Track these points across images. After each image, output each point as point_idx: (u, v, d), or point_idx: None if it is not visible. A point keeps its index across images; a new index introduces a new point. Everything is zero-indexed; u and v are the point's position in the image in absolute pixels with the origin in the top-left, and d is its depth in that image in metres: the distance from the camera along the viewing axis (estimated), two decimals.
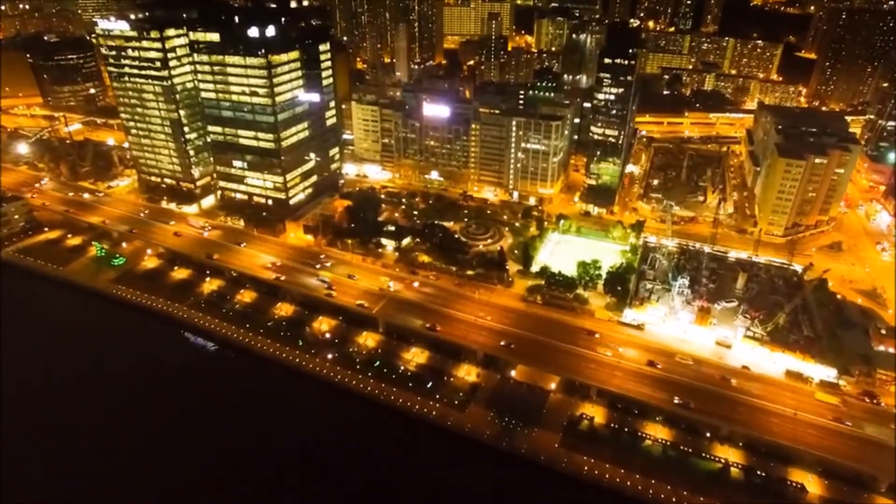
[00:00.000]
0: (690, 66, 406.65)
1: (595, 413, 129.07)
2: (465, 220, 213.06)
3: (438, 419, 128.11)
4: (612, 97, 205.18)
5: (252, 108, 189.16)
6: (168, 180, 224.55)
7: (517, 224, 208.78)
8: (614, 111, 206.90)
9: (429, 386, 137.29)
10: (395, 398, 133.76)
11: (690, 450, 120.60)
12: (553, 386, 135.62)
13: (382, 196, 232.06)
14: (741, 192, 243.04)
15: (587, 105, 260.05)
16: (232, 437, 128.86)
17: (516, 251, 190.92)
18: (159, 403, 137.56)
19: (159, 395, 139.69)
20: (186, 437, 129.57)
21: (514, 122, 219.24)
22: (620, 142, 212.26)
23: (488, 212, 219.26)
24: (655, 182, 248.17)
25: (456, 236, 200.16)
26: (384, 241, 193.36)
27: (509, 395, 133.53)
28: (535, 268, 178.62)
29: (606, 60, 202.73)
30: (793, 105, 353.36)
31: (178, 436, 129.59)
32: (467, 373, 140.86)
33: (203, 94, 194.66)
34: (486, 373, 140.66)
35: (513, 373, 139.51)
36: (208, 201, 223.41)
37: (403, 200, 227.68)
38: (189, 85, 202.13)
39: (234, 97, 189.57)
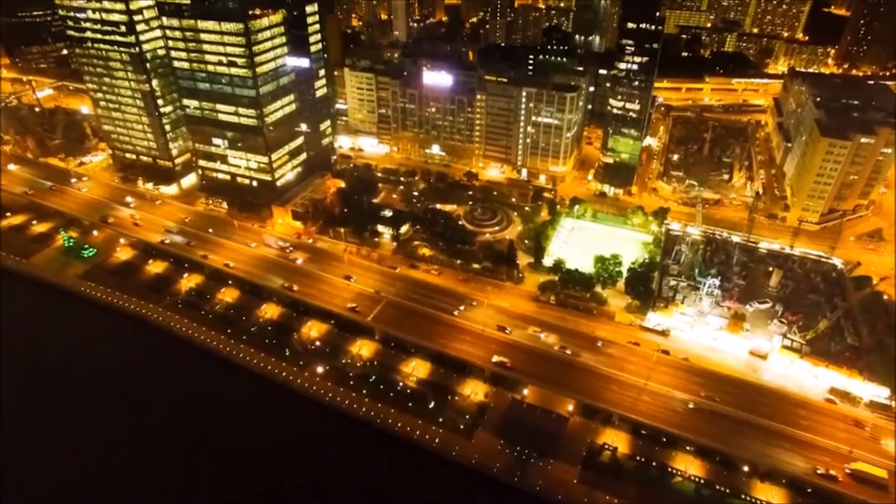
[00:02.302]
0: (709, 25, 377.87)
1: (618, 441, 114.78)
2: (470, 203, 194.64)
3: (442, 448, 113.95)
4: (635, 66, 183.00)
5: (231, 79, 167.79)
6: (144, 157, 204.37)
7: (527, 208, 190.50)
8: (636, 82, 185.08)
9: (431, 406, 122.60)
10: (393, 421, 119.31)
11: (727, 489, 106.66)
12: (570, 408, 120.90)
13: (379, 174, 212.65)
14: (769, 169, 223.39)
15: (602, 71, 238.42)
16: (209, 459, 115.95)
17: (527, 241, 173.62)
18: (128, 420, 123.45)
19: (128, 411, 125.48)
20: (156, 458, 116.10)
21: (523, 93, 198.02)
22: (642, 115, 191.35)
23: (495, 193, 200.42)
24: (675, 158, 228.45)
25: (460, 223, 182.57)
26: (381, 228, 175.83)
27: (521, 420, 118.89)
28: (547, 260, 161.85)
29: (629, 25, 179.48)
30: (820, 68, 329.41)
31: (146, 458, 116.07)
32: (474, 391, 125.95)
33: (176, 64, 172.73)
34: (495, 390, 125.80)
35: (525, 391, 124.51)
36: (189, 180, 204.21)
37: (402, 179, 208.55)
38: (160, 52, 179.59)
39: (210, 67, 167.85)
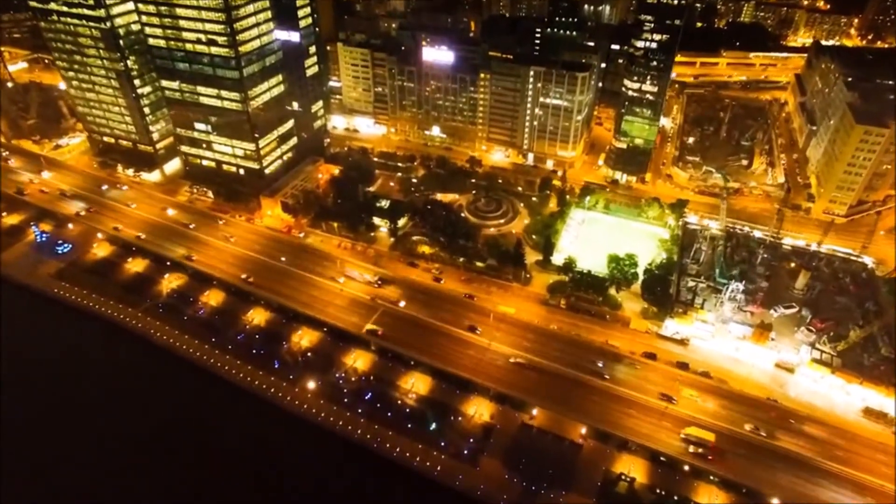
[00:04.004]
0: None
1: (635, 470, 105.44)
2: (473, 192, 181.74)
3: (444, 477, 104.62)
4: (654, 45, 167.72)
5: (211, 59, 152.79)
6: (123, 141, 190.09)
7: (534, 198, 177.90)
8: (655, 62, 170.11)
9: (432, 428, 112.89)
10: (391, 445, 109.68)
11: None
12: (584, 430, 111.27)
13: (375, 159, 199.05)
14: (790, 154, 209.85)
15: (614, 46, 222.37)
16: (190, 479, 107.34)
17: (534, 236, 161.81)
18: (100, 437, 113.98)
19: (101, 427, 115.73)
20: (131, 479, 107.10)
21: (531, 73, 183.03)
22: (660, 98, 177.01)
23: (499, 180, 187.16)
24: (691, 140, 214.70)
25: (462, 215, 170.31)
26: (377, 221, 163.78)
27: (531, 446, 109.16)
28: (557, 257, 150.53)
29: None
30: (842, 39, 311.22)
31: (120, 477, 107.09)
32: (478, 412, 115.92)
33: (151, 42, 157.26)
34: (502, 410, 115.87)
35: (534, 411, 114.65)
36: (173, 166, 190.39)
37: (400, 165, 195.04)
38: (135, 27, 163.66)
39: (189, 46, 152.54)
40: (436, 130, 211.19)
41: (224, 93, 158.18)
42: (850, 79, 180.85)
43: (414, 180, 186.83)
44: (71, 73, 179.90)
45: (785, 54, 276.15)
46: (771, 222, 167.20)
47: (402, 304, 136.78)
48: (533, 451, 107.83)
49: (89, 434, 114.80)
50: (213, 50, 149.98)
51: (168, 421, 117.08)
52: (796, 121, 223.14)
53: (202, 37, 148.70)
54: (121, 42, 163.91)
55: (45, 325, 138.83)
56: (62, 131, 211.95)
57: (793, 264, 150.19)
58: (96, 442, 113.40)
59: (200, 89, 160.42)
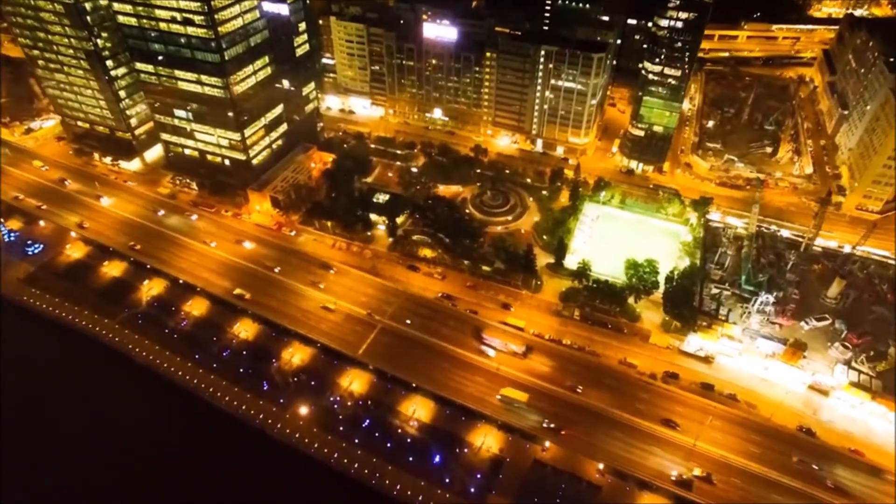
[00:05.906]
0: None
1: None
2: (478, 183, 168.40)
3: None
4: (679, 24, 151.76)
5: (188, 41, 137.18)
6: (99, 127, 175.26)
7: (544, 191, 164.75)
8: (680, 42, 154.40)
9: (436, 461, 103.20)
10: (391, 482, 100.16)
11: None
12: (601, 466, 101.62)
13: (372, 145, 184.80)
14: (817, 140, 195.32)
15: (631, 21, 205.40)
16: None
17: (545, 236, 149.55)
18: (70, 470, 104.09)
19: (72, 457, 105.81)
20: None
21: (541, 52, 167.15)
22: (683, 82, 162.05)
23: (506, 171, 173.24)
24: (710, 125, 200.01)
25: (467, 210, 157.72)
26: (374, 218, 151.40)
27: (544, 485, 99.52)
28: (569, 260, 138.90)
29: None
30: (872, 9, 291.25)
31: None
32: (486, 443, 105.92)
33: (121, 20, 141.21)
34: (511, 441, 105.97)
35: (547, 443, 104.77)
36: (155, 153, 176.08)
37: (398, 152, 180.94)
38: (103, 2, 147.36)
39: (163, 25, 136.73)
40: (437, 113, 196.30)
41: (204, 78, 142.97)
42: (892, 59, 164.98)
43: (414, 170, 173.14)
44: (36, 52, 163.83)
45: (810, 26, 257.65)
46: (798, 219, 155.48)
47: (580, 389, 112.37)
48: (546, 491, 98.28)
49: (57, 460, 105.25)
50: (190, 30, 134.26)
51: (146, 449, 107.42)
52: (824, 102, 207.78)
53: (177, 15, 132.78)
54: (88, 18, 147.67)
55: (12, 337, 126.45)
56: (35, 112, 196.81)
57: (817, 267, 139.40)
58: (63, 469, 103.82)
59: (178, 73, 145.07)
